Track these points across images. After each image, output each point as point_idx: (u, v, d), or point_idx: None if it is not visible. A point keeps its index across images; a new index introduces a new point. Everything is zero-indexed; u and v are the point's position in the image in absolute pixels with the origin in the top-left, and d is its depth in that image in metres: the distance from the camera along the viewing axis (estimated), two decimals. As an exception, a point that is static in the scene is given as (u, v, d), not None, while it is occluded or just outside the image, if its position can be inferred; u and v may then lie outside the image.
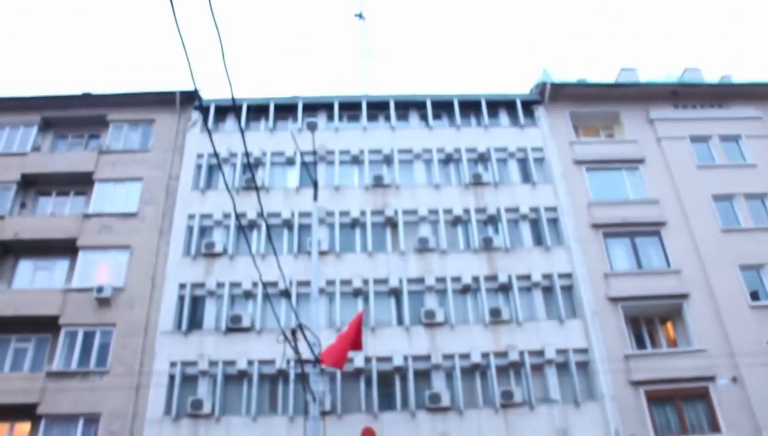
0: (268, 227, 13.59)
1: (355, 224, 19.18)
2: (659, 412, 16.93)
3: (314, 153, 14.13)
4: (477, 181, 19.91)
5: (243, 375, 16.67)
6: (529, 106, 21.78)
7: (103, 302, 17.21)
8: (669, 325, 18.52)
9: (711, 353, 17.22)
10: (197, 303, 17.81)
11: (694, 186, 20.14)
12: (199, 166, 19.96)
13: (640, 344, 18.07)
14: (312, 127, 13.76)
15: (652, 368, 16.96)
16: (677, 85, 22.09)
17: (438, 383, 16.76)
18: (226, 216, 18.84)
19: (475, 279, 18.14)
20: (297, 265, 18.05)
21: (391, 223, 19.22)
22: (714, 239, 19.19)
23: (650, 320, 18.50)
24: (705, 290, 18.30)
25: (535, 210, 19.47)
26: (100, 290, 17.13)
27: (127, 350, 16.63)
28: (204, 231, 18.97)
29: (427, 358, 16.99)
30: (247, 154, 19.26)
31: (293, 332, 11.20)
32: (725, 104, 22.13)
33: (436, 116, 21.82)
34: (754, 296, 18.48)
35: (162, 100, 20.79)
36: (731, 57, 73.89)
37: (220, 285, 17.77)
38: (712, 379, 16.96)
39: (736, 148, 21.29)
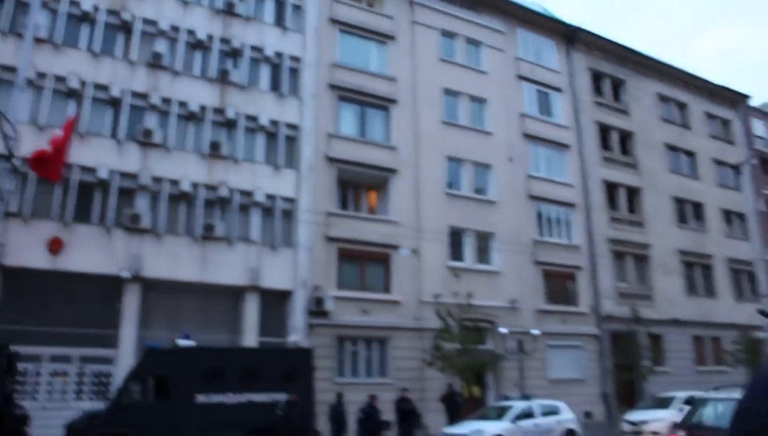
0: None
1: (84, 17, 22.31)
2: (346, 268, 24.57)
3: None
4: (229, 11, 24.57)
5: None
6: (300, -50, 27.03)
7: None
8: (374, 194, 26.30)
9: (402, 225, 25.35)
10: None
11: (430, 75, 27.95)
12: None
13: (344, 205, 25.48)
14: None
15: (350, 228, 24.43)
16: (444, -24, 29.65)
17: (142, 203, 21.67)
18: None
19: (203, 108, 23.14)
20: (5, 46, 20.80)
21: (126, 28, 22.96)
22: (433, 128, 27.34)
23: (359, 186, 26.03)
24: (413, 170, 26.34)
25: (279, 55, 25.05)
26: None
27: None
28: None
29: (135, 177, 21.69)
30: None
31: (-13, 121, 13.87)
32: (479, 10, 30.48)
33: (202, -74, 25.66)
34: (450, 185, 27.36)
35: None
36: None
37: None
38: (396, 248, 25.20)
39: (476, 53, 29.83)
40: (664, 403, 22.68)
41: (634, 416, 22.41)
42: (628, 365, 28.83)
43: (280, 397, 16.29)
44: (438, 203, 26.60)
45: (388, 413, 19.37)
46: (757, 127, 44.40)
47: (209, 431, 15.27)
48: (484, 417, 19.88)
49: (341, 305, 23.40)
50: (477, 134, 28.66)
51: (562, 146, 31.72)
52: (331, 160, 24.84)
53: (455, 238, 26.77)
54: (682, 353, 32.59)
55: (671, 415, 21.73)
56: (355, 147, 25.45)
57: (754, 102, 44.75)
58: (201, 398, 15.74)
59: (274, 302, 22.91)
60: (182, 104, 22.93)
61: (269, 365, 17.29)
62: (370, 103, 26.37)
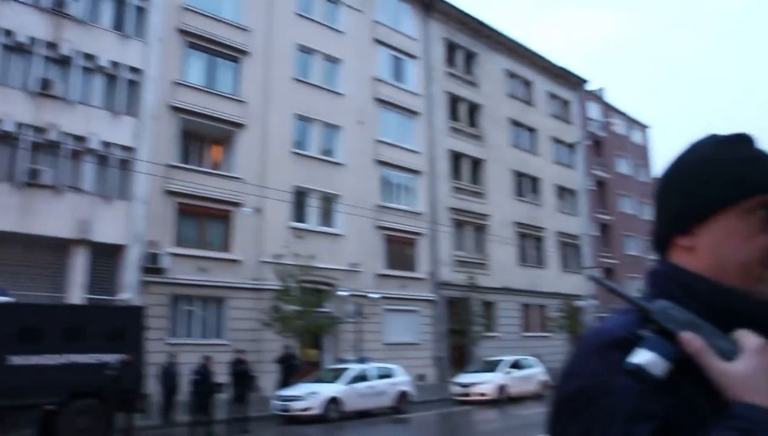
0: None
1: None
2: (184, 224, 23.80)
3: None
4: (67, -65, 22.68)
5: None
6: None
7: None
8: (219, 148, 25.57)
9: (246, 182, 24.80)
10: None
11: (286, 29, 27.33)
12: None
13: (186, 158, 24.56)
14: None
15: (191, 183, 23.54)
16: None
17: (-45, 141, 19.74)
18: None
19: (33, 41, 21.26)
20: None
21: (-58, -61, 20.56)
22: (284, 84, 26.87)
23: (203, 139, 25.21)
24: (260, 126, 25.78)
25: (124, -9, 23.52)
26: None
27: None
28: None
29: (-53, 111, 19.68)
30: None
31: None
32: (342, -32, 30.19)
33: None
34: (298, 144, 27.10)
35: None
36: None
37: None
38: (238, 205, 24.66)
39: (333, 12, 29.55)
40: (491, 366, 24.07)
41: (464, 378, 23.61)
42: (461, 330, 30.29)
43: (109, 358, 15.58)
44: (284, 162, 26.32)
45: (222, 376, 19.09)
46: (592, 110, 47.57)
47: (25, 396, 14.33)
48: (320, 380, 20.17)
49: (178, 263, 22.69)
50: (328, 94, 28.52)
51: (412, 113, 32.31)
52: (175, 109, 23.78)
53: (299, 198, 26.67)
54: (511, 319, 34.73)
55: (498, 378, 23.20)
56: (202, 98, 24.49)
57: (590, 87, 47.83)
58: (15, 360, 14.65)
59: (106, 256, 21.81)
60: (8, 33, 20.94)
61: (95, 324, 16.39)
62: (220, 52, 25.43)
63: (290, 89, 27.09)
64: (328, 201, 27.68)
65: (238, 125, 25.22)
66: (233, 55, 25.72)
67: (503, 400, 22.65)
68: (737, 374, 0.96)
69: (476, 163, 35.68)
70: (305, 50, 28.09)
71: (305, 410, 18.13)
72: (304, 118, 27.40)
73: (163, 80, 23.58)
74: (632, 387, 0.95)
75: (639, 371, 0.96)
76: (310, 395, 18.51)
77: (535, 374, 24.85)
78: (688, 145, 1.19)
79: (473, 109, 36.43)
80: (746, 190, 1.08)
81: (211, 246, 24.32)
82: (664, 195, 1.18)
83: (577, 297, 35.65)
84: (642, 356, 0.97)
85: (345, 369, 20.47)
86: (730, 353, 0.98)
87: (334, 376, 20.14)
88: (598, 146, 47.49)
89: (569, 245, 40.71)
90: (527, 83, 40.77)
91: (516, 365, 24.47)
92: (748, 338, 0.99)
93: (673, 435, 0.95)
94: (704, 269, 1.09)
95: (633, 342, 0.99)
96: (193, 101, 24.17)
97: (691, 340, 0.98)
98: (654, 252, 1.21)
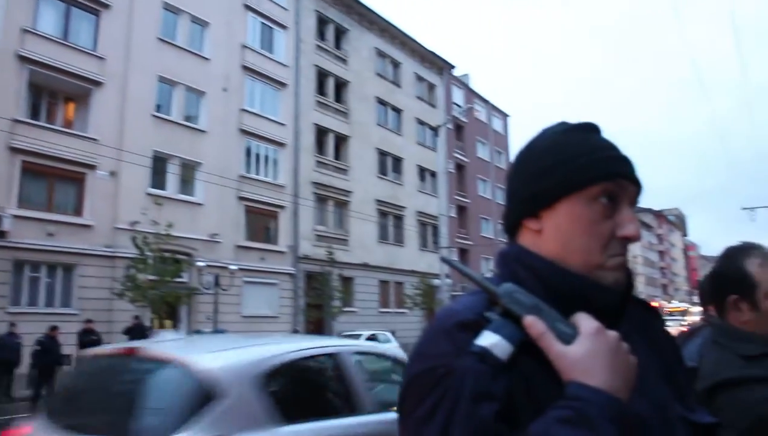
0: None
1: None
2: (30, 185, 22.24)
3: None
4: None
5: None
6: None
7: None
8: (72, 105, 24.07)
9: (101, 143, 23.52)
10: None
11: (150, -14, 26.13)
12: None
13: (35, 114, 22.93)
14: None
15: (40, 140, 21.96)
16: None
17: None
18: None
19: None
20: None
21: None
22: (147, 44, 25.59)
23: (55, 94, 23.60)
24: (120, 85, 24.46)
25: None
26: None
27: None
28: None
29: None
30: None
31: None
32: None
33: None
34: (159, 107, 26.03)
35: None
36: None
37: None
38: (92, 167, 23.38)
39: (202, -29, 28.56)
40: (348, 341, 24.36)
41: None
42: (320, 304, 30.46)
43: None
44: (143, 125, 25.17)
45: (70, 347, 18.15)
46: (456, 95, 49.01)
47: None
48: (175, 352, 19.58)
49: (22, 225, 21.20)
50: (194, 58, 27.55)
51: (279, 84, 31.88)
52: (23, 59, 22.04)
53: (159, 164, 25.64)
54: (369, 295, 35.35)
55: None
56: (55, 49, 22.84)
57: (456, 72, 49.24)
58: None
59: (-63, 215, 20.01)
60: None
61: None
62: (77, 2, 23.78)
63: (153, 49, 25.89)
64: (189, 168, 26.82)
65: (95, 83, 23.82)
66: (92, 6, 24.14)
67: (359, 373, 23.02)
68: (574, 356, 0.99)
69: (341, 139, 35.81)
70: (171, 9, 26.90)
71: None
72: (166, 81, 26.30)
73: (10, 26, 21.74)
74: (477, 369, 0.97)
75: (484, 353, 0.98)
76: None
77: (390, 349, 25.43)
78: (539, 132, 1.22)
79: (341, 85, 36.49)
80: (590, 177, 1.11)
81: (61, 209, 22.90)
82: (515, 178, 1.20)
83: (434, 276, 36.78)
84: (487, 339, 1.00)
85: (201, 341, 20.03)
86: (569, 337, 1.01)
87: (190, 348, 19.66)
88: (459, 131, 49.02)
89: (428, 225, 41.88)
90: (396, 64, 41.33)
91: (372, 340, 24.94)
92: (585, 322, 1.03)
93: (517, 415, 0.98)
94: (550, 252, 1.12)
95: (481, 324, 1.03)
96: (45, 52, 22.51)
97: (534, 323, 1.01)
98: (505, 234, 1.24)
